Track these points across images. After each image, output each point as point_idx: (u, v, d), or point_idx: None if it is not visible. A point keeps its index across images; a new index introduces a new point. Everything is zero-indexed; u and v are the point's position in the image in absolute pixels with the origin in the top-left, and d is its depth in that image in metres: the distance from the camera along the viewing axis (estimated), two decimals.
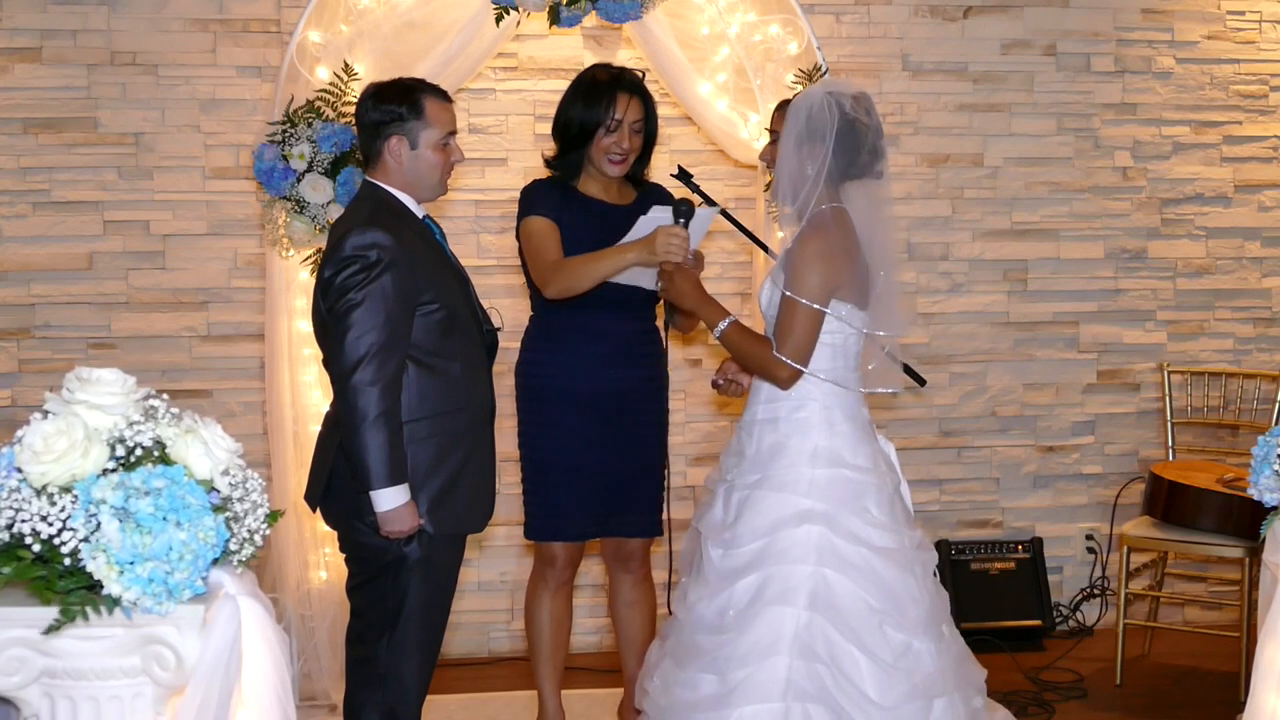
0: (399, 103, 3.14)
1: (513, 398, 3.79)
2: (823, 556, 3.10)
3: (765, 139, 3.89)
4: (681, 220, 3.43)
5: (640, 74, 3.75)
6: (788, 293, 3.14)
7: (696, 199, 3.73)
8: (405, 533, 3.06)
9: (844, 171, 3.18)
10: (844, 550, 3.11)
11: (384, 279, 3.01)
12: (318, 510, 3.26)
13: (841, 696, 3.00)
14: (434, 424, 3.10)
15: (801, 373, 3.16)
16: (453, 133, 3.21)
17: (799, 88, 4.16)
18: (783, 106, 3.39)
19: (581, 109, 3.66)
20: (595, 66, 3.79)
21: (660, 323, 3.75)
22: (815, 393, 3.21)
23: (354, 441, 3.00)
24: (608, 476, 3.71)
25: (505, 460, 3.40)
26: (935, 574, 3.27)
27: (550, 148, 3.79)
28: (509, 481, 3.37)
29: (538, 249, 3.64)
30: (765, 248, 4.05)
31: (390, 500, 3.01)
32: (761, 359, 3.19)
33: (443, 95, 3.22)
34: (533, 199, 3.72)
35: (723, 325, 3.24)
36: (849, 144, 3.15)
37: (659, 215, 3.48)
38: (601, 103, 3.63)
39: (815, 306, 3.13)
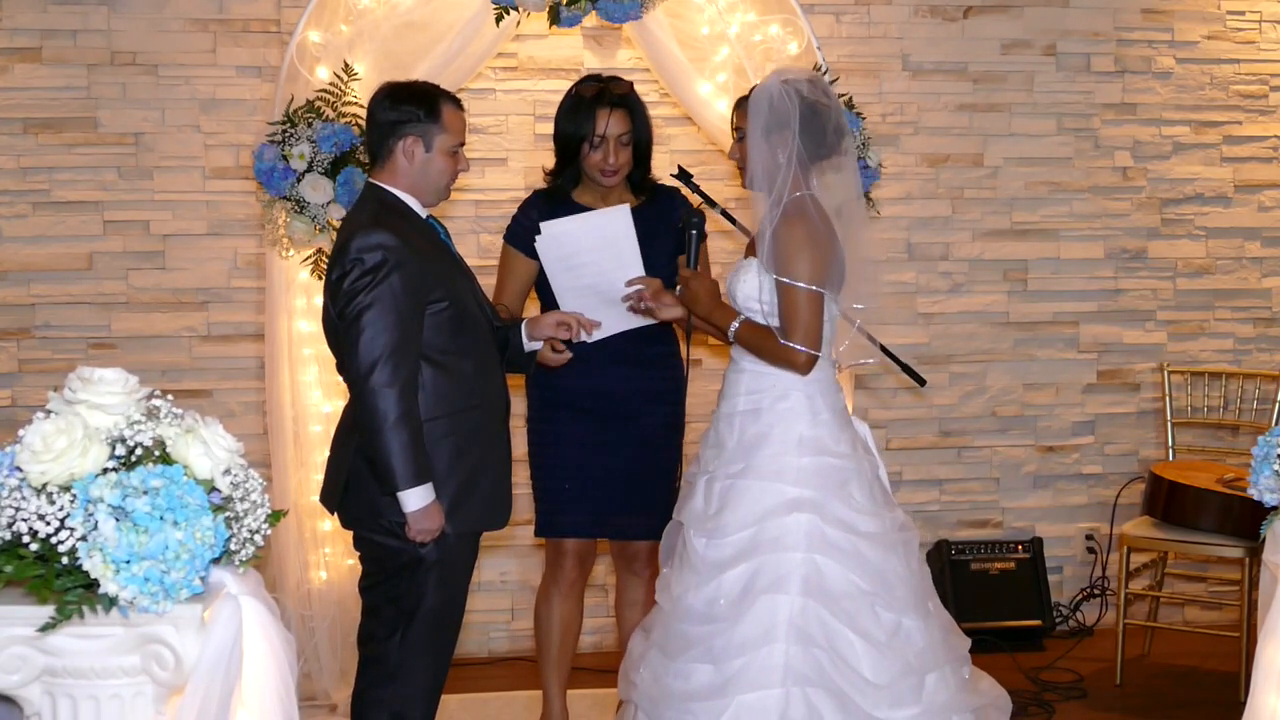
0: (417, 105, 3.15)
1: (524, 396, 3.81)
2: (812, 543, 3.15)
3: None
4: (694, 233, 3.48)
5: (629, 84, 3.73)
6: (784, 280, 3.17)
7: (697, 199, 3.75)
8: (434, 532, 3.05)
9: (814, 153, 3.23)
10: (832, 536, 3.17)
11: (392, 280, 3.00)
12: (335, 513, 3.24)
13: (839, 678, 3.05)
14: (450, 423, 3.10)
15: (818, 357, 3.21)
16: (462, 143, 3.23)
17: None
18: (741, 104, 3.41)
19: (567, 124, 3.69)
20: (583, 80, 3.77)
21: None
22: (798, 382, 3.25)
23: (376, 444, 2.99)
24: (612, 476, 3.72)
25: (516, 460, 3.41)
26: (919, 551, 3.34)
27: (550, 150, 3.81)
28: (517, 481, 3.38)
29: (498, 278, 3.78)
30: None
31: (418, 500, 3.01)
32: (775, 349, 3.22)
33: (458, 104, 3.22)
34: (514, 221, 3.78)
35: (734, 325, 3.30)
36: (814, 127, 3.22)
37: (613, 214, 3.53)
38: (582, 119, 3.65)
39: (814, 289, 3.17)
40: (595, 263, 3.53)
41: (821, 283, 3.18)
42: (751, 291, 3.29)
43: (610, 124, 3.63)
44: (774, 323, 3.23)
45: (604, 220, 3.54)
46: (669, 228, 3.65)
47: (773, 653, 3.08)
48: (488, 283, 3.48)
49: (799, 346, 3.18)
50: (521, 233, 3.70)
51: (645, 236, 3.55)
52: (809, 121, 3.20)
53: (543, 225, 3.54)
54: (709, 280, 3.43)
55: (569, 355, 3.45)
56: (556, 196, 3.74)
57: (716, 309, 3.36)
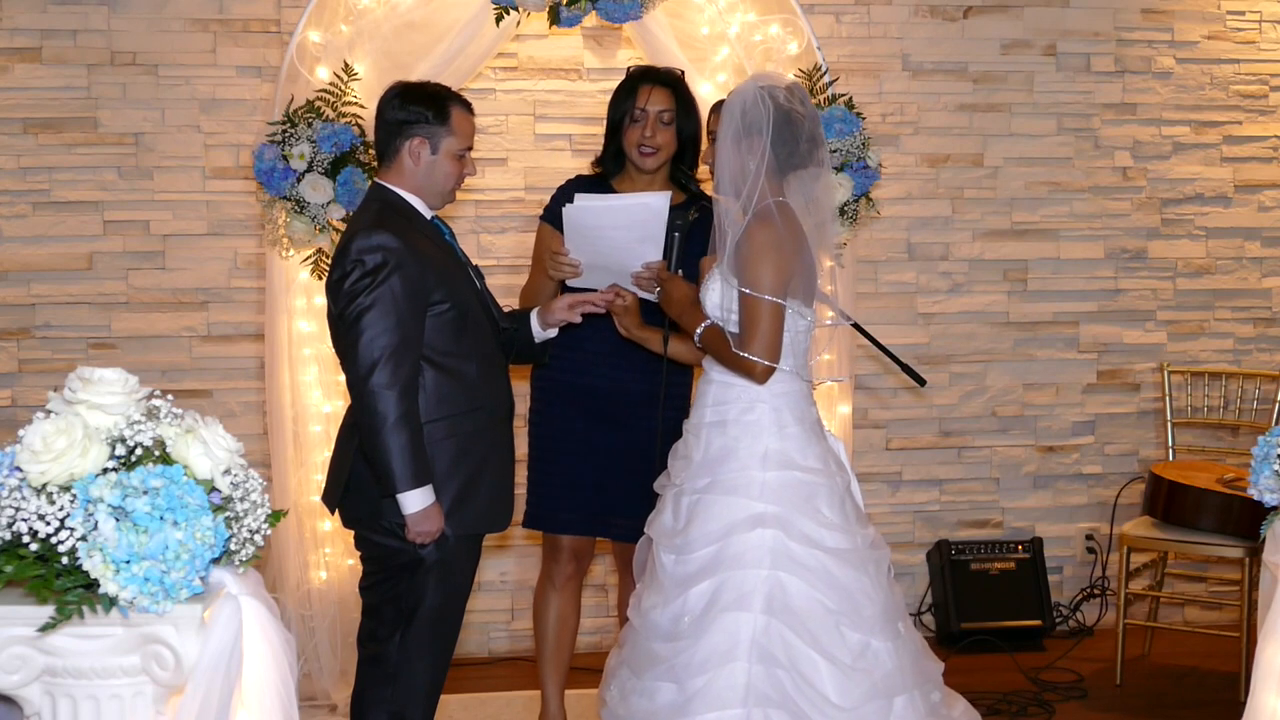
0: (427, 106, 3.14)
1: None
2: (777, 560, 3.07)
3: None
4: (676, 235, 3.46)
5: (681, 72, 3.78)
6: (745, 290, 3.11)
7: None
8: (433, 534, 3.05)
9: (785, 162, 3.17)
10: (798, 553, 3.08)
11: (392, 281, 2.99)
12: (335, 512, 3.24)
13: (802, 700, 2.98)
14: (451, 424, 3.10)
15: (774, 368, 3.14)
16: (470, 147, 3.22)
17: None
18: (718, 107, 3.37)
19: (612, 104, 3.73)
20: (636, 67, 3.83)
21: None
22: (764, 394, 3.18)
23: (375, 445, 2.98)
24: (604, 475, 3.72)
25: (518, 460, 3.40)
26: (890, 571, 3.24)
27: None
28: (518, 481, 3.38)
29: (533, 259, 3.78)
30: None
31: (417, 502, 3.00)
32: (731, 357, 3.16)
33: (468, 108, 3.22)
34: (553, 200, 3.78)
35: (700, 330, 3.24)
36: (787, 135, 3.14)
37: (651, 201, 3.46)
38: (625, 94, 3.69)
39: (776, 300, 3.10)
40: (616, 240, 3.48)
41: (783, 293, 3.11)
42: (716, 299, 3.24)
43: (652, 98, 3.65)
44: (732, 330, 3.18)
45: (639, 207, 3.46)
46: (700, 232, 3.63)
47: (734, 672, 3.00)
48: (490, 283, 3.47)
49: (756, 358, 3.11)
50: (558, 200, 3.67)
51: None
52: (782, 129, 3.13)
53: (578, 197, 3.48)
54: (685, 284, 3.38)
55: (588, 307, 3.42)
56: (597, 183, 3.75)
57: (687, 312, 3.30)
